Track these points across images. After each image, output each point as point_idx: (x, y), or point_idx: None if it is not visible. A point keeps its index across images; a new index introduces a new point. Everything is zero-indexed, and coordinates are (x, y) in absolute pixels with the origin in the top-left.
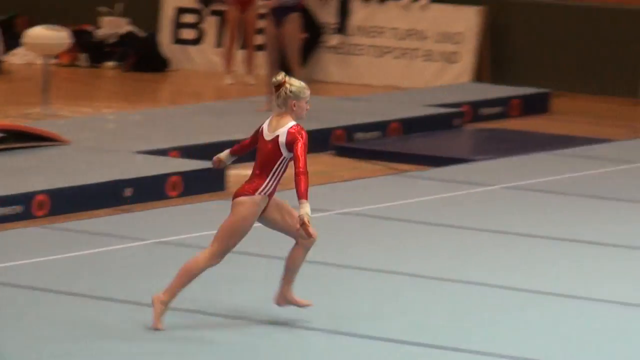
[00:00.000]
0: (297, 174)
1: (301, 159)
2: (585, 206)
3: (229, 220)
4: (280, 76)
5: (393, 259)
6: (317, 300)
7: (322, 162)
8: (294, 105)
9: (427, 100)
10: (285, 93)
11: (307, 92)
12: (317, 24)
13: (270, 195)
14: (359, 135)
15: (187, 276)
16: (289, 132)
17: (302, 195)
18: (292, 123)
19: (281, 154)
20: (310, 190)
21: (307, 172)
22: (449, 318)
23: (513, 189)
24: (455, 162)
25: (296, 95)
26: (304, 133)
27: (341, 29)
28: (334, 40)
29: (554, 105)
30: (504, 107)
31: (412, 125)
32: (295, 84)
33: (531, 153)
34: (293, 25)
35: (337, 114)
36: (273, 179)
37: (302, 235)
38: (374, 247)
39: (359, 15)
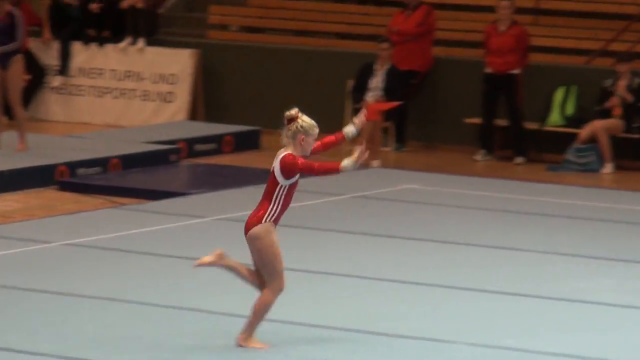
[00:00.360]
0: (317, 171)
1: (306, 167)
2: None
3: (259, 257)
4: (294, 111)
5: (114, 287)
6: (42, 329)
7: (46, 197)
8: (303, 140)
9: (145, 137)
10: (297, 127)
11: (317, 130)
12: (40, 66)
13: (276, 221)
14: (81, 170)
15: (262, 313)
16: (281, 161)
17: (333, 165)
18: (285, 152)
19: (278, 182)
20: (34, 222)
21: (318, 162)
22: (161, 344)
23: (225, 220)
24: (172, 195)
25: (306, 131)
26: (298, 158)
27: (63, 70)
28: (56, 81)
29: (264, 142)
30: (218, 144)
31: (131, 161)
32: (307, 120)
33: (243, 186)
34: (16, 67)
35: (60, 151)
36: (275, 206)
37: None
38: (96, 276)
39: (79, 57)
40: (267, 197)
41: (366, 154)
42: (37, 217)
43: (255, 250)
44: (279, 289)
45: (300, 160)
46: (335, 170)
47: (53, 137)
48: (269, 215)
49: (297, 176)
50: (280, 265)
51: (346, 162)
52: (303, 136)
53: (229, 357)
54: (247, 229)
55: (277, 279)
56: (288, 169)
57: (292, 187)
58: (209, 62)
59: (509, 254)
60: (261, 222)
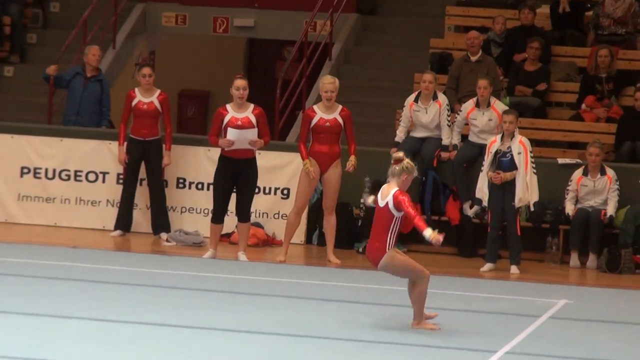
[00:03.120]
0: (414, 219)
1: (410, 210)
2: None
3: (398, 273)
4: (401, 153)
5: None
6: None
7: None
8: (406, 179)
9: None
10: (402, 168)
11: (416, 173)
12: None
13: (393, 246)
14: None
15: (423, 299)
16: (394, 197)
17: (422, 227)
18: (395, 189)
19: (393, 215)
20: None
21: (418, 215)
22: None
23: None
24: None
25: (410, 172)
26: (405, 194)
27: None
28: None
29: None
30: None
31: None
32: (411, 162)
33: None
34: None
35: None
36: (392, 235)
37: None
38: None
39: None
40: (384, 230)
41: (440, 240)
42: None
43: (393, 272)
44: (426, 276)
45: (408, 200)
46: (419, 230)
47: None
48: (389, 243)
49: None
50: (413, 266)
51: (426, 233)
52: (406, 175)
53: None
54: (375, 260)
55: (419, 273)
56: (400, 203)
57: (402, 217)
58: None
59: None
60: (385, 252)
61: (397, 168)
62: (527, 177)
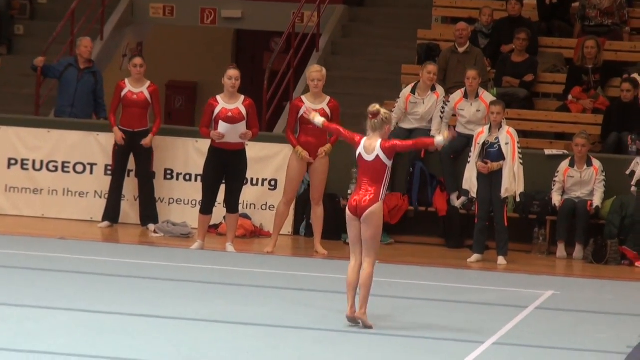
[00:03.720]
0: (415, 145)
1: (408, 142)
2: None
3: (372, 231)
4: (378, 106)
5: None
6: None
7: None
8: (387, 129)
9: None
10: (383, 119)
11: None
12: None
13: (383, 198)
14: None
15: (370, 285)
16: (383, 147)
17: (429, 140)
18: (380, 140)
19: (385, 165)
20: None
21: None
22: None
23: None
24: None
25: (390, 121)
26: (392, 140)
27: None
28: None
29: None
30: None
31: None
32: (387, 111)
33: None
34: None
35: None
36: (384, 186)
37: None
38: None
39: None
40: (377, 180)
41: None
42: None
43: (372, 225)
44: (374, 262)
45: (395, 141)
46: (431, 145)
47: None
48: (382, 194)
49: None
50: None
51: (439, 139)
52: (388, 126)
53: None
54: (365, 208)
55: (377, 252)
56: (394, 146)
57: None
58: None
59: None
60: (378, 201)
61: (378, 121)
62: (515, 168)
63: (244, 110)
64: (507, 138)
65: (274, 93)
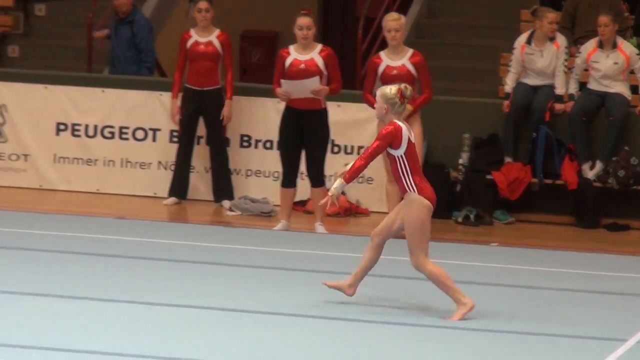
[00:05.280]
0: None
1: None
2: None
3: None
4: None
5: None
6: None
7: None
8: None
9: None
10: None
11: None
12: None
13: (415, 190)
14: None
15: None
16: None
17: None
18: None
19: (393, 156)
20: None
21: (361, 157)
22: None
23: None
24: None
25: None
26: (388, 128)
27: None
28: None
29: None
30: None
31: None
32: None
33: None
34: None
35: None
36: (407, 177)
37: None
38: None
39: None
40: (395, 174)
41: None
42: None
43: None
44: (425, 255)
45: (385, 133)
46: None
47: None
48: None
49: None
50: (423, 234)
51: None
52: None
53: None
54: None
55: (420, 248)
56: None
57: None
58: None
59: None
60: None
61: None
62: None
63: (320, 62)
64: None
65: (370, 44)
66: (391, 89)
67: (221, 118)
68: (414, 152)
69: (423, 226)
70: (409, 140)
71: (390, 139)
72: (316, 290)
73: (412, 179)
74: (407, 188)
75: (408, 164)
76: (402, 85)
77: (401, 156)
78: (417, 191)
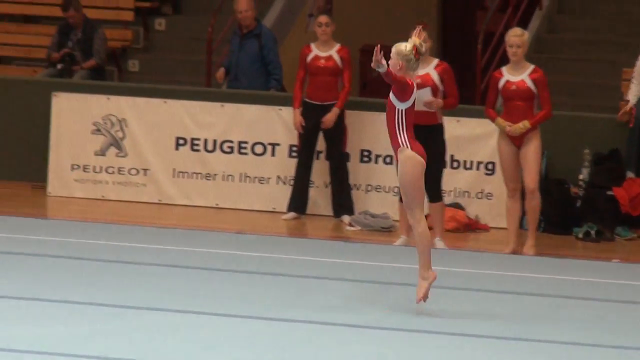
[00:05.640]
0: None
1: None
2: None
3: (401, 183)
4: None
5: None
6: None
7: None
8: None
9: None
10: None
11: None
12: None
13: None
14: None
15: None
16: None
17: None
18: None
19: (394, 107)
20: None
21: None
22: None
23: None
24: None
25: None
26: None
27: None
28: None
29: None
30: None
31: None
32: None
33: None
34: None
35: None
36: (401, 132)
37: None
38: None
39: None
40: (391, 127)
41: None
42: None
43: (399, 178)
44: (420, 213)
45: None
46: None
47: None
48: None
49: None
50: (419, 189)
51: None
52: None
53: None
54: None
55: (419, 204)
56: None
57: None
58: None
59: None
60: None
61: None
62: None
63: (436, 77)
64: None
65: (489, 59)
66: (406, 46)
67: (322, 124)
68: (413, 112)
69: (418, 182)
70: (414, 100)
71: (404, 84)
72: (433, 305)
73: (406, 134)
74: (400, 143)
75: (406, 120)
76: (418, 42)
77: (403, 110)
78: (410, 147)
